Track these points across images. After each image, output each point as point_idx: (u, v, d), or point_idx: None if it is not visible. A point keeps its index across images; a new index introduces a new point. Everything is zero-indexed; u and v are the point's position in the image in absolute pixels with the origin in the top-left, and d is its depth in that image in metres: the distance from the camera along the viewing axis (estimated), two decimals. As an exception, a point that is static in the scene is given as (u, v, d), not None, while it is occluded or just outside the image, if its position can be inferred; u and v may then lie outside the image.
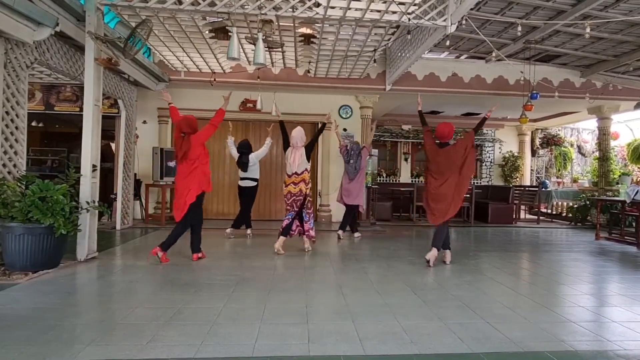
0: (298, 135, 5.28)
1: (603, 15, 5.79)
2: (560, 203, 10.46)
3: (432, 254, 4.59)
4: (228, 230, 6.29)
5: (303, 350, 2.36)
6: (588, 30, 5.46)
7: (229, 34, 5.10)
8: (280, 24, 5.68)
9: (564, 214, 9.97)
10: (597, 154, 10.43)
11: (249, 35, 6.18)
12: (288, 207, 5.29)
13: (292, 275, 4.12)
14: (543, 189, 10.75)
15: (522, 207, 10.32)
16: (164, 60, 7.39)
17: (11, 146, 4.17)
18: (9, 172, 4.13)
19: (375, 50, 6.59)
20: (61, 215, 3.88)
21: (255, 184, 6.25)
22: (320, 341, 2.48)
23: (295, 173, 5.22)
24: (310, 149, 5.36)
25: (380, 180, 11.18)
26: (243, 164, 6.16)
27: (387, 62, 7.98)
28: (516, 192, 9.83)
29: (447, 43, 6.68)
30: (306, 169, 5.29)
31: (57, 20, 4.15)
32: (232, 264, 4.56)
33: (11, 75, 4.12)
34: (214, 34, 6.16)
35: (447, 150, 4.68)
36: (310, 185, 5.36)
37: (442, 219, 4.63)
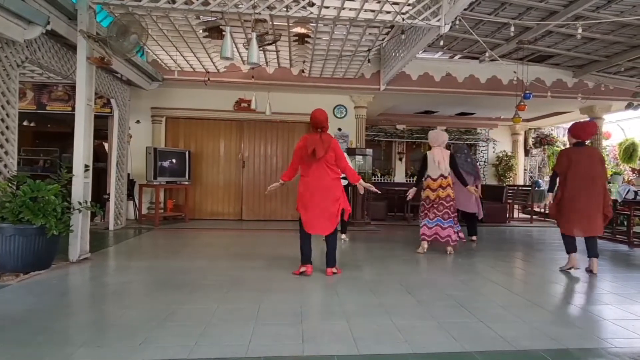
0: (436, 136, 5.34)
1: (595, 16, 5.84)
2: (553, 202, 10.51)
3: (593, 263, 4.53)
4: (342, 236, 6.31)
5: (297, 350, 2.35)
6: (580, 31, 5.52)
7: (223, 33, 5.08)
8: (275, 23, 5.66)
9: (557, 213, 10.02)
10: (589, 153, 10.49)
11: (246, 41, 6.14)
12: (438, 212, 5.28)
13: (287, 275, 4.11)
14: (536, 189, 10.82)
15: (516, 206, 10.38)
16: (158, 59, 7.35)
17: (1, 146, 4.12)
18: (-1, 172, 4.09)
19: (369, 50, 6.60)
20: (53, 215, 3.84)
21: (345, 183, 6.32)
22: (314, 341, 2.48)
23: (442, 176, 5.23)
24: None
25: (374, 180, 11.20)
26: None
27: (381, 62, 7.99)
28: (510, 191, 9.89)
29: (441, 43, 6.70)
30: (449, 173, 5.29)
31: (49, 19, 4.10)
32: (227, 265, 4.54)
33: (1, 74, 4.07)
34: (207, 34, 6.13)
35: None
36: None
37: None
